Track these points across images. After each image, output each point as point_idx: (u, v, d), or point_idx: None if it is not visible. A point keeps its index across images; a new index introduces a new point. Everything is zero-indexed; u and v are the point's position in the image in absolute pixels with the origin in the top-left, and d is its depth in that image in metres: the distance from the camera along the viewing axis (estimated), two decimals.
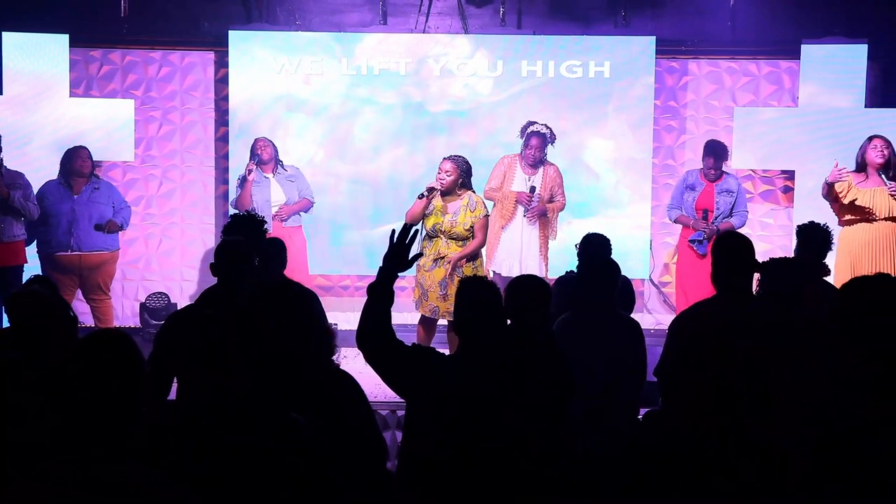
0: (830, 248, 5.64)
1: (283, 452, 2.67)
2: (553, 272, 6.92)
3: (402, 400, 3.53)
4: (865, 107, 8.15)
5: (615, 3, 8.54)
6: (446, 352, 4.29)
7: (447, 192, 6.41)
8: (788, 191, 8.49)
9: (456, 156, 6.53)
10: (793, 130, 8.22)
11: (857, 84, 8.14)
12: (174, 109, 8.65)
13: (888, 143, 6.92)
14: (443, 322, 6.55)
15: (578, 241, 5.67)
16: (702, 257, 7.16)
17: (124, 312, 8.53)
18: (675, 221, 7.60)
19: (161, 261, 8.70)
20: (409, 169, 8.40)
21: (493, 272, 7.15)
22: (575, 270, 5.08)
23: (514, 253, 7.14)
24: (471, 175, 6.50)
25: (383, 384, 3.45)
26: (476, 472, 3.24)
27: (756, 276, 4.41)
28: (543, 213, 7.15)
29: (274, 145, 7.77)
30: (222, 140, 8.60)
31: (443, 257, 6.37)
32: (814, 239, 5.57)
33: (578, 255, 5.50)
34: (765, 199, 8.61)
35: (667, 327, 4.28)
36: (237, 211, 7.00)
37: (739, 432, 2.84)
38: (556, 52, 8.36)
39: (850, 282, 3.43)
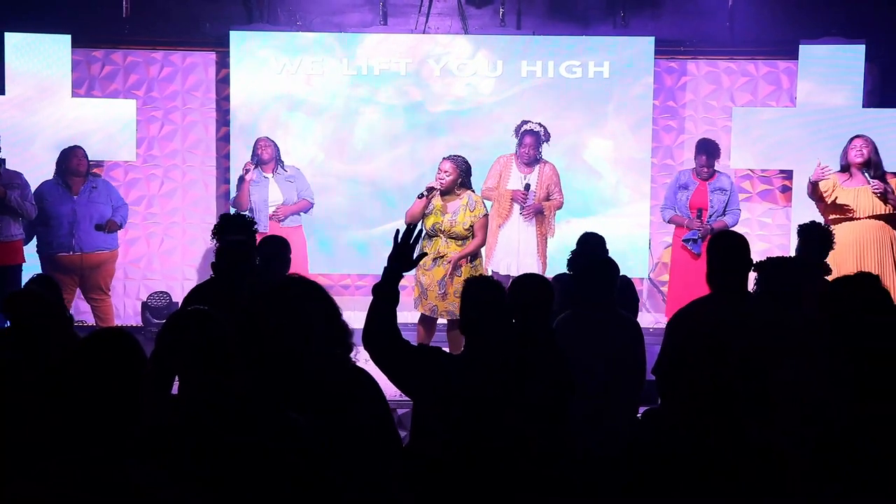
0: (832, 248, 5.67)
1: (282, 452, 2.68)
2: (551, 270, 6.93)
3: (402, 399, 3.55)
4: (863, 107, 8.17)
5: (614, 3, 8.56)
6: (446, 351, 4.31)
7: (447, 192, 6.43)
8: (787, 190, 8.51)
9: (455, 156, 6.54)
10: (791, 130, 8.24)
11: (854, 84, 8.16)
12: (176, 109, 8.67)
13: (868, 142, 6.96)
14: (442, 321, 6.58)
15: (576, 242, 5.68)
16: (696, 257, 7.16)
17: (126, 311, 8.56)
18: (669, 222, 7.59)
19: (162, 260, 8.73)
20: (410, 169, 8.41)
21: (492, 271, 7.15)
22: (568, 272, 5.09)
23: (512, 251, 7.13)
24: (470, 175, 6.51)
25: (383, 384, 3.47)
26: (478, 471, 3.26)
27: (753, 275, 4.43)
28: (540, 210, 7.14)
29: (276, 145, 7.75)
30: (223, 140, 8.63)
31: (442, 256, 6.39)
32: (814, 238, 5.60)
33: (572, 254, 5.48)
34: (763, 199, 8.63)
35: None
36: (232, 211, 7.01)
37: (737, 432, 2.84)
38: (556, 53, 8.38)
39: (834, 281, 3.45)
